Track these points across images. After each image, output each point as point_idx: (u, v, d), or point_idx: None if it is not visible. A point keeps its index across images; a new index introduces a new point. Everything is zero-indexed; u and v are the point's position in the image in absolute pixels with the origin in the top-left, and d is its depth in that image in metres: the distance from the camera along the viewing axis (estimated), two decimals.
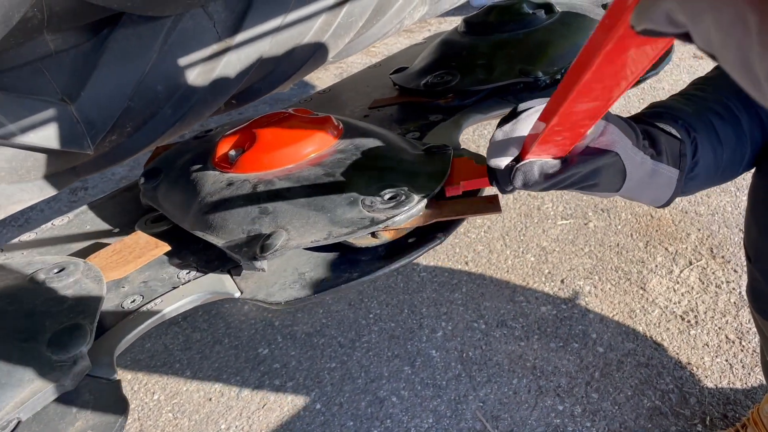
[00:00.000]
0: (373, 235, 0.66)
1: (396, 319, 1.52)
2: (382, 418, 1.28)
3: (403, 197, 0.65)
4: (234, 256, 0.65)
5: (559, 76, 0.95)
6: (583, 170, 0.60)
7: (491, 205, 0.65)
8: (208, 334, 1.56)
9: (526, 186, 0.61)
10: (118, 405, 0.51)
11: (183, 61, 0.97)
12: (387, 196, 0.66)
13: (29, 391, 0.51)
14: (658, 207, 0.70)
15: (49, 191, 0.96)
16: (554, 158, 0.60)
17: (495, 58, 1.01)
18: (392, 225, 0.64)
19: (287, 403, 1.34)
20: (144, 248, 0.71)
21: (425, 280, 1.64)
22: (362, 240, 0.66)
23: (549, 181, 0.60)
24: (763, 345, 0.91)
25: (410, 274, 1.66)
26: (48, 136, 0.85)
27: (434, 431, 1.24)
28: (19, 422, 0.51)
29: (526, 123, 0.60)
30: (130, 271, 0.68)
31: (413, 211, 0.64)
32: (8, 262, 0.72)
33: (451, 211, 0.66)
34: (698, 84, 0.78)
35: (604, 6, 1.15)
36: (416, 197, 0.65)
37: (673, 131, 0.66)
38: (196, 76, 0.98)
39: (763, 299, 0.80)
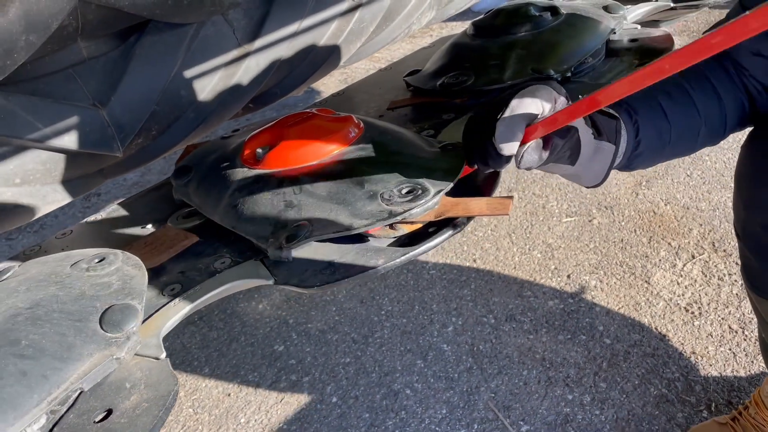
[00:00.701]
0: (391, 227, 0.71)
1: (407, 315, 1.56)
2: (397, 410, 1.32)
3: (420, 191, 0.69)
4: (262, 246, 0.70)
5: (569, 74, 1.00)
6: (559, 147, 0.69)
7: (501, 207, 0.69)
8: (224, 333, 1.60)
9: (527, 167, 0.69)
10: (169, 380, 0.56)
11: (205, 66, 1.01)
12: (404, 191, 0.70)
13: (90, 363, 0.55)
14: (594, 186, 0.77)
15: (80, 192, 1.00)
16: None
17: (507, 59, 1.05)
18: (409, 217, 0.68)
19: (304, 397, 1.38)
20: (174, 240, 0.75)
21: (434, 278, 1.68)
22: (380, 232, 0.71)
23: (540, 162, 0.69)
24: (760, 324, 0.95)
25: (420, 272, 1.70)
26: (81, 139, 0.89)
27: (448, 422, 1.28)
28: (81, 391, 0.55)
29: (521, 108, 0.67)
30: (163, 260, 0.73)
31: (429, 204, 0.69)
32: (49, 256, 0.76)
33: (464, 210, 0.70)
34: None
35: (605, 8, 1.19)
36: (432, 191, 0.70)
37: (611, 111, 0.74)
38: (217, 81, 1.02)
39: (754, 275, 0.85)
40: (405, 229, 0.73)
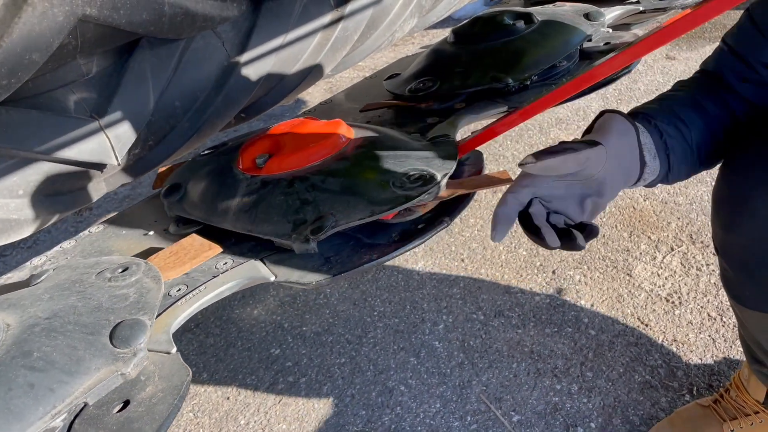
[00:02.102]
0: (407, 210, 0.76)
1: (399, 315, 1.61)
2: (393, 406, 1.36)
3: (428, 176, 0.75)
4: (284, 243, 0.74)
5: (528, 82, 1.06)
6: None
7: (502, 178, 0.75)
8: (221, 339, 1.63)
9: None
10: (181, 371, 0.59)
11: (197, 78, 1.05)
12: (413, 177, 0.75)
13: (95, 378, 0.58)
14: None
15: (81, 203, 1.03)
16: None
17: (472, 66, 1.11)
18: (424, 200, 0.73)
19: (302, 398, 1.41)
20: (198, 250, 0.79)
21: (425, 278, 1.72)
22: (398, 217, 0.75)
23: None
24: (739, 325, 1.01)
25: (410, 273, 1.75)
26: (81, 150, 0.93)
27: (442, 415, 1.32)
28: (85, 405, 0.58)
29: None
30: (186, 270, 0.76)
31: (440, 185, 0.74)
32: (81, 261, 0.79)
33: (470, 185, 0.75)
34: (675, 85, 0.92)
35: (586, 15, 1.25)
36: (439, 175, 0.75)
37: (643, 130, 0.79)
38: (209, 92, 1.06)
39: (733, 286, 0.90)
40: (420, 212, 0.78)
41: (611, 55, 0.61)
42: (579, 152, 0.72)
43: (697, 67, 0.93)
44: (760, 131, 0.81)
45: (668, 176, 0.82)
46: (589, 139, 0.76)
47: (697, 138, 0.82)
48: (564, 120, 2.42)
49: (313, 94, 3.04)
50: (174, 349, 0.63)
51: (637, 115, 0.82)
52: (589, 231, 0.74)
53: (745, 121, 0.85)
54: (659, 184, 0.84)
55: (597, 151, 0.74)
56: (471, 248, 1.81)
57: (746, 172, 0.79)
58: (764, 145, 0.78)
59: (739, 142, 0.83)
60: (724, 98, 0.84)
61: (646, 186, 0.84)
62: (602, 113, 0.82)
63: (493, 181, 0.76)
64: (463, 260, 1.77)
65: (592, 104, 2.47)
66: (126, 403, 0.57)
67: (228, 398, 1.45)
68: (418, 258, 1.80)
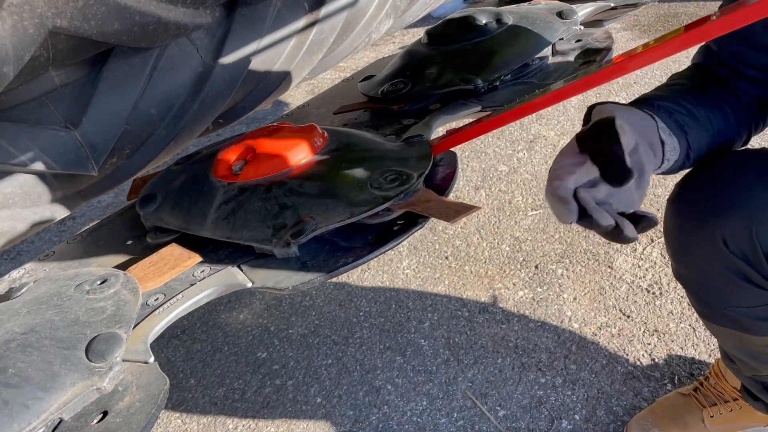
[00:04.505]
0: (386, 210, 0.76)
1: (385, 314, 1.62)
2: (380, 405, 1.37)
3: (405, 176, 0.76)
4: (264, 248, 0.75)
5: (498, 83, 1.07)
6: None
7: (469, 208, 0.74)
8: (207, 344, 1.63)
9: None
10: (159, 381, 0.60)
11: (172, 84, 1.05)
12: (390, 178, 0.76)
13: (71, 393, 0.58)
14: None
15: (59, 214, 1.03)
16: None
17: (443, 68, 1.12)
18: (401, 200, 0.74)
19: (289, 400, 1.42)
20: (178, 259, 0.79)
21: (409, 277, 1.73)
22: (374, 218, 0.76)
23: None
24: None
25: (395, 272, 1.76)
26: (56, 161, 0.93)
27: (429, 412, 1.33)
28: (61, 420, 0.59)
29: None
30: (166, 281, 0.76)
31: (417, 186, 0.75)
32: (61, 273, 0.79)
33: (423, 208, 0.75)
34: (672, 79, 0.90)
35: (559, 14, 1.26)
36: (415, 175, 0.76)
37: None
38: (185, 98, 1.06)
39: (695, 305, 0.95)
40: (397, 212, 0.78)
41: (579, 76, 0.62)
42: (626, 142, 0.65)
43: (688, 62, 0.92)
44: (699, 166, 0.83)
45: (689, 154, 0.78)
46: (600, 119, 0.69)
47: (705, 114, 0.79)
48: (544, 115, 2.44)
49: (295, 96, 3.04)
50: (152, 359, 0.64)
51: (638, 102, 0.79)
52: (647, 221, 0.68)
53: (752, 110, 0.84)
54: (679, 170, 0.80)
55: (626, 126, 0.67)
56: (455, 246, 1.83)
57: (686, 208, 0.82)
58: (699, 181, 0.81)
59: (684, 176, 0.85)
60: (720, 95, 0.82)
61: (668, 172, 0.80)
62: (594, 105, 0.77)
63: (450, 209, 0.72)
64: (447, 258, 1.78)
65: (571, 98, 2.49)
66: (104, 414, 0.58)
67: (216, 403, 1.45)
68: (403, 257, 1.81)
